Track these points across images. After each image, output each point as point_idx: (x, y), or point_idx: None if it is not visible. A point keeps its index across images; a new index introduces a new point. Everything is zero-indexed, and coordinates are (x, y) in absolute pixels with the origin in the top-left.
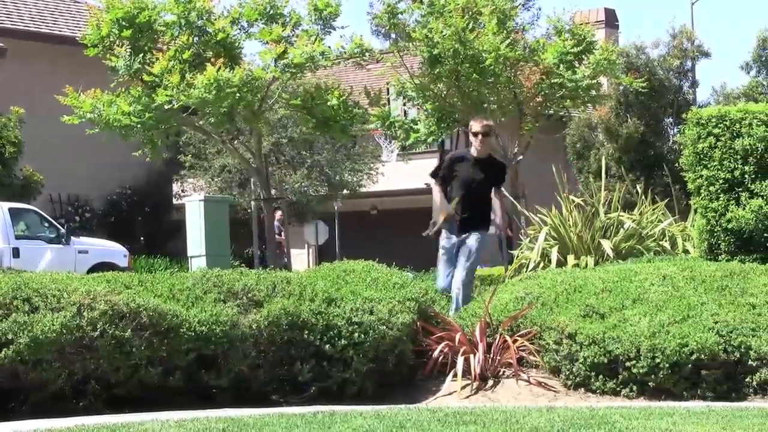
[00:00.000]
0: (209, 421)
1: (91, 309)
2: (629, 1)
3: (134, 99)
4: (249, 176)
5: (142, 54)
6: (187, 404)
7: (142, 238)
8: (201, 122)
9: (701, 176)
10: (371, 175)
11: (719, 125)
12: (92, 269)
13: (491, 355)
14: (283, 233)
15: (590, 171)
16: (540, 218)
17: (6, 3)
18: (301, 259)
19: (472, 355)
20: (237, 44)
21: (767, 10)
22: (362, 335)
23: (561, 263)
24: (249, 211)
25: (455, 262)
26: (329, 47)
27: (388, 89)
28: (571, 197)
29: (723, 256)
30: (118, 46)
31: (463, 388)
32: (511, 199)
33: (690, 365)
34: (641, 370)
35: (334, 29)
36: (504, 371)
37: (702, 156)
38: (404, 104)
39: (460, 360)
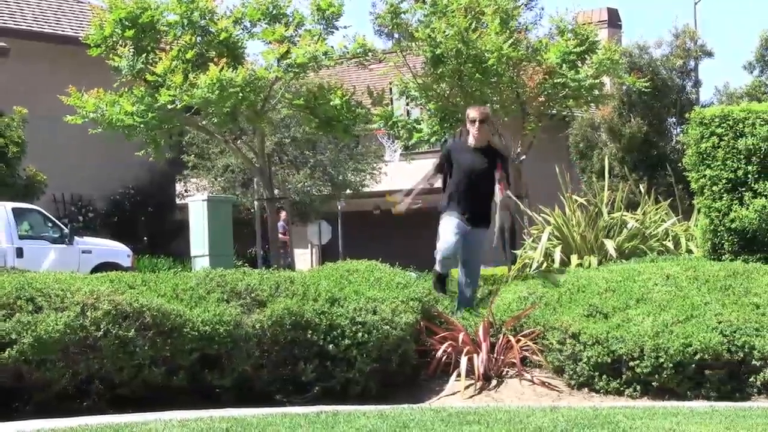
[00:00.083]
0: (213, 421)
1: (95, 309)
2: (632, 0)
3: (137, 99)
4: (252, 176)
5: (145, 54)
6: (191, 404)
7: (145, 238)
8: (204, 122)
9: (704, 176)
10: (374, 174)
11: (722, 125)
12: (96, 269)
13: (495, 355)
14: (287, 232)
15: (593, 171)
16: (543, 218)
17: (9, 3)
18: (304, 258)
19: (475, 355)
20: (240, 44)
21: None
22: (366, 335)
23: (564, 263)
24: (252, 210)
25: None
26: (332, 47)
27: (390, 89)
28: (574, 197)
29: (726, 255)
30: (121, 46)
31: (467, 388)
32: (515, 199)
33: (694, 365)
34: (645, 370)
35: (337, 29)
36: (507, 371)
37: (705, 156)
38: (407, 104)
39: (463, 360)
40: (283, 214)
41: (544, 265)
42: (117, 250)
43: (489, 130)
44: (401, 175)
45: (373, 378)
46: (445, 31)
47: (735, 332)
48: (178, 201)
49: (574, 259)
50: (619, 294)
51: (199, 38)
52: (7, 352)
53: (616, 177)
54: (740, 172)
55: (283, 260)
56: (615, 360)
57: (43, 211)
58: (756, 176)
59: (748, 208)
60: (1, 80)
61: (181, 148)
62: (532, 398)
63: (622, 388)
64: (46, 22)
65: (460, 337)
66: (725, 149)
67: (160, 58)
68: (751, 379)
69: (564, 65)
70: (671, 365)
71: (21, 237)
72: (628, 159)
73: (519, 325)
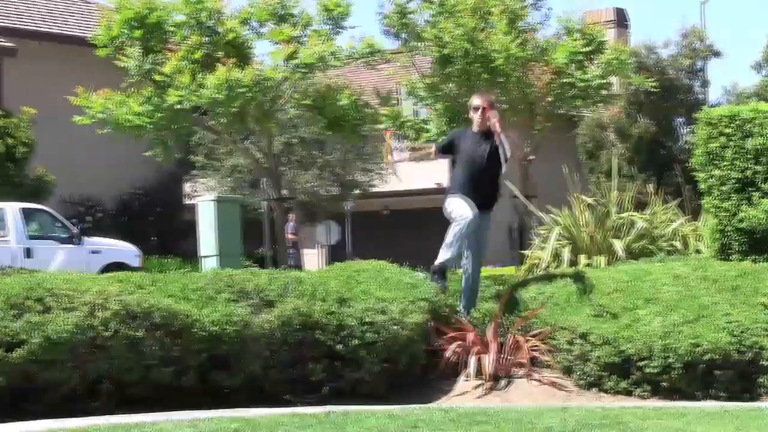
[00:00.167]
0: (222, 421)
1: (104, 309)
2: (640, 0)
3: (145, 99)
4: (260, 176)
5: (152, 54)
6: (200, 404)
7: (153, 238)
8: (212, 122)
9: (713, 176)
10: (382, 175)
11: (730, 125)
12: (104, 269)
13: (504, 355)
14: (298, 232)
15: (601, 171)
16: (551, 218)
17: (17, 3)
18: (312, 259)
19: (484, 355)
20: (247, 44)
21: None
22: (374, 335)
23: (573, 263)
24: (260, 211)
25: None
26: (339, 47)
27: (398, 89)
28: (583, 197)
29: (735, 255)
30: (128, 46)
31: (476, 388)
32: (523, 198)
33: (703, 365)
34: (654, 370)
35: (345, 29)
36: (517, 371)
37: (713, 156)
38: (415, 104)
39: (472, 360)
40: (292, 215)
41: (553, 265)
42: (126, 250)
43: (495, 115)
44: (409, 175)
45: (382, 378)
46: (452, 32)
47: (744, 332)
48: (186, 201)
49: (583, 259)
50: (628, 294)
51: (206, 38)
52: (16, 353)
53: (625, 177)
54: (748, 172)
55: (293, 260)
56: (624, 360)
57: (52, 212)
58: (764, 176)
59: (756, 208)
60: (9, 81)
61: (189, 148)
62: (541, 398)
63: (631, 389)
64: (53, 23)
65: (469, 337)
66: (733, 149)
67: (168, 59)
68: (760, 380)
69: (572, 65)
70: (680, 365)
71: (30, 237)
72: (637, 159)
73: (528, 325)
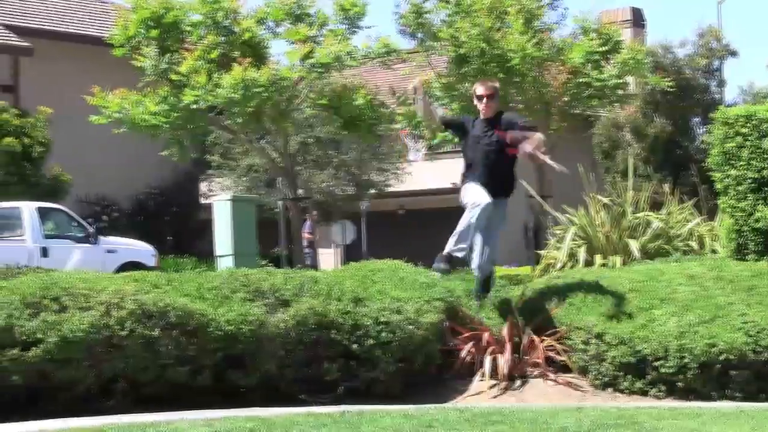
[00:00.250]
0: (237, 421)
1: (120, 308)
2: (656, 0)
3: (161, 99)
4: (276, 176)
5: (168, 54)
6: (215, 404)
7: (169, 238)
8: (228, 122)
9: (729, 176)
10: (398, 174)
11: (747, 124)
12: (120, 268)
13: (519, 355)
14: (315, 232)
15: (617, 171)
16: (567, 218)
17: (33, 3)
18: (328, 258)
19: (499, 355)
20: (263, 44)
21: None
22: (390, 335)
23: (589, 263)
24: (276, 210)
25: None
26: (355, 47)
27: (414, 89)
28: (598, 197)
29: (751, 255)
30: (144, 46)
31: (491, 387)
32: (538, 198)
33: (719, 365)
34: (669, 370)
35: (361, 29)
36: (532, 371)
37: (730, 155)
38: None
39: (487, 360)
40: (310, 215)
41: (569, 265)
42: (141, 249)
43: (497, 103)
44: (425, 175)
45: (397, 378)
46: (468, 31)
47: (760, 332)
48: (202, 201)
49: (598, 259)
50: (644, 294)
51: (222, 38)
52: (32, 352)
53: (640, 177)
54: (765, 172)
55: (311, 260)
56: (639, 360)
57: (68, 211)
58: None
59: None
60: (25, 80)
61: (205, 148)
62: (557, 398)
63: (646, 389)
64: (70, 23)
65: (485, 337)
66: (750, 149)
67: (184, 58)
68: None
69: (588, 65)
70: (696, 365)
71: (46, 236)
72: (653, 159)
73: (543, 325)
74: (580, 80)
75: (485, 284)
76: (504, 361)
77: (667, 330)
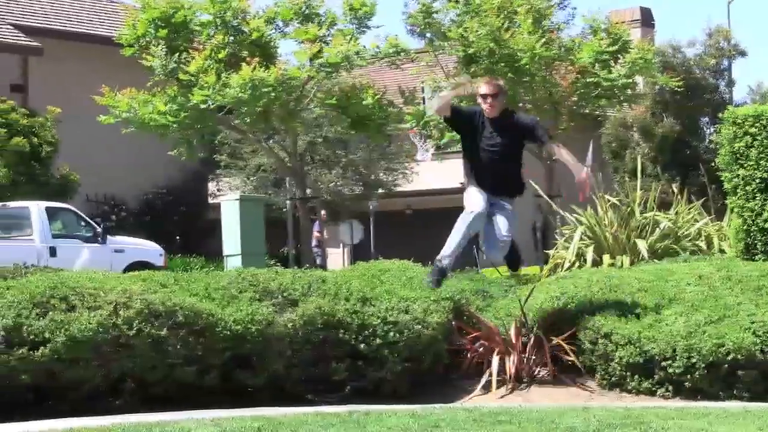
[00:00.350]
0: (245, 420)
1: (128, 308)
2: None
3: (170, 98)
4: (284, 175)
5: (177, 53)
6: (222, 403)
7: (177, 238)
8: (236, 122)
9: (738, 175)
10: (406, 174)
11: (756, 124)
12: (128, 268)
13: (526, 355)
14: (324, 231)
15: (626, 170)
16: (575, 218)
17: (42, 3)
18: (336, 258)
19: (507, 355)
20: (272, 44)
21: None
22: (397, 334)
23: (596, 263)
24: (284, 210)
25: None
26: (364, 47)
27: (423, 88)
28: (607, 197)
29: (759, 255)
30: (153, 45)
31: (498, 387)
32: (547, 198)
33: (726, 365)
34: (677, 370)
35: (369, 29)
36: (539, 371)
37: (738, 155)
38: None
39: (495, 360)
40: (321, 214)
41: (577, 265)
42: (149, 249)
43: (502, 102)
44: (433, 174)
45: (404, 377)
46: (477, 31)
47: None
48: (210, 200)
49: (607, 259)
50: (652, 294)
51: (231, 38)
52: (40, 351)
53: (649, 177)
54: None
55: (320, 259)
56: (647, 360)
57: (76, 211)
58: None
59: None
60: (34, 80)
61: (214, 147)
62: (564, 398)
63: (654, 389)
64: (79, 22)
65: (492, 336)
66: (759, 149)
67: (193, 58)
68: None
69: (597, 65)
70: (703, 365)
71: (54, 236)
72: (661, 159)
73: (551, 325)
74: (589, 80)
75: (511, 263)
76: (511, 361)
77: (674, 330)
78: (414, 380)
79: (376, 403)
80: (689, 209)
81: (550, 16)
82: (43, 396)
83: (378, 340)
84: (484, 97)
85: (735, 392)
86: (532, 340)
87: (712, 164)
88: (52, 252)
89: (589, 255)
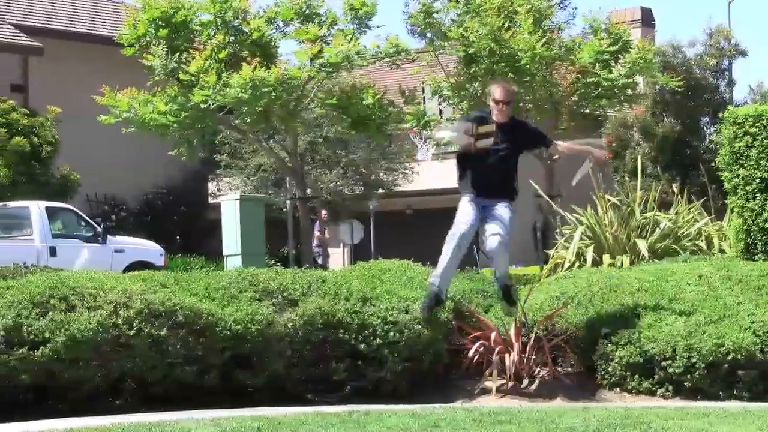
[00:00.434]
0: (245, 420)
1: (128, 307)
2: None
3: (170, 98)
4: (284, 175)
5: (178, 53)
6: (222, 403)
7: (178, 237)
8: (237, 121)
9: (738, 175)
10: (406, 174)
11: (756, 124)
12: (128, 268)
13: (526, 355)
14: (326, 231)
15: (626, 170)
16: (575, 218)
17: (43, 3)
18: (336, 258)
19: (507, 355)
20: (273, 43)
21: None
22: (397, 334)
23: (596, 263)
24: (284, 210)
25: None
26: (365, 47)
27: (423, 88)
28: (607, 197)
29: (760, 255)
30: (154, 45)
31: (498, 387)
32: (547, 198)
33: (726, 365)
34: (677, 370)
35: (370, 29)
36: (539, 371)
37: (739, 155)
38: (440, 103)
39: (495, 360)
40: (322, 213)
41: (577, 264)
42: (150, 249)
43: (511, 108)
44: (433, 174)
45: (404, 377)
46: (478, 31)
47: None
48: (210, 200)
49: (607, 258)
50: (652, 294)
51: (232, 38)
52: (40, 351)
53: (649, 176)
54: None
55: (322, 259)
56: (647, 360)
57: (76, 210)
58: None
59: None
60: (35, 80)
61: (214, 147)
62: (564, 398)
63: (654, 388)
64: (80, 22)
65: (492, 336)
66: (759, 149)
67: (194, 58)
68: None
69: (597, 65)
70: (703, 365)
71: (54, 236)
72: (661, 158)
73: (551, 324)
74: (589, 80)
75: (506, 296)
76: (511, 360)
77: (675, 330)
78: (414, 380)
79: (375, 403)
80: (689, 209)
81: (550, 16)
82: (43, 396)
83: (378, 340)
84: (498, 102)
85: (735, 392)
86: (532, 339)
87: (713, 164)
88: (52, 252)
89: (589, 255)
